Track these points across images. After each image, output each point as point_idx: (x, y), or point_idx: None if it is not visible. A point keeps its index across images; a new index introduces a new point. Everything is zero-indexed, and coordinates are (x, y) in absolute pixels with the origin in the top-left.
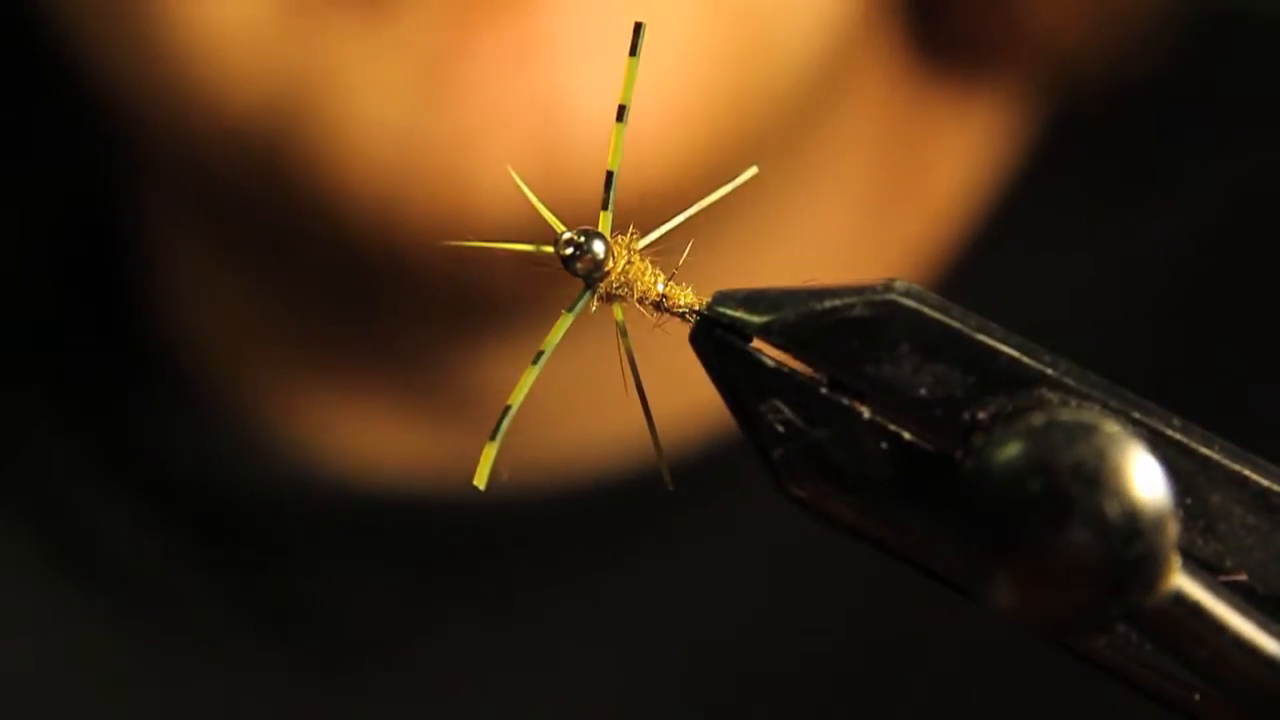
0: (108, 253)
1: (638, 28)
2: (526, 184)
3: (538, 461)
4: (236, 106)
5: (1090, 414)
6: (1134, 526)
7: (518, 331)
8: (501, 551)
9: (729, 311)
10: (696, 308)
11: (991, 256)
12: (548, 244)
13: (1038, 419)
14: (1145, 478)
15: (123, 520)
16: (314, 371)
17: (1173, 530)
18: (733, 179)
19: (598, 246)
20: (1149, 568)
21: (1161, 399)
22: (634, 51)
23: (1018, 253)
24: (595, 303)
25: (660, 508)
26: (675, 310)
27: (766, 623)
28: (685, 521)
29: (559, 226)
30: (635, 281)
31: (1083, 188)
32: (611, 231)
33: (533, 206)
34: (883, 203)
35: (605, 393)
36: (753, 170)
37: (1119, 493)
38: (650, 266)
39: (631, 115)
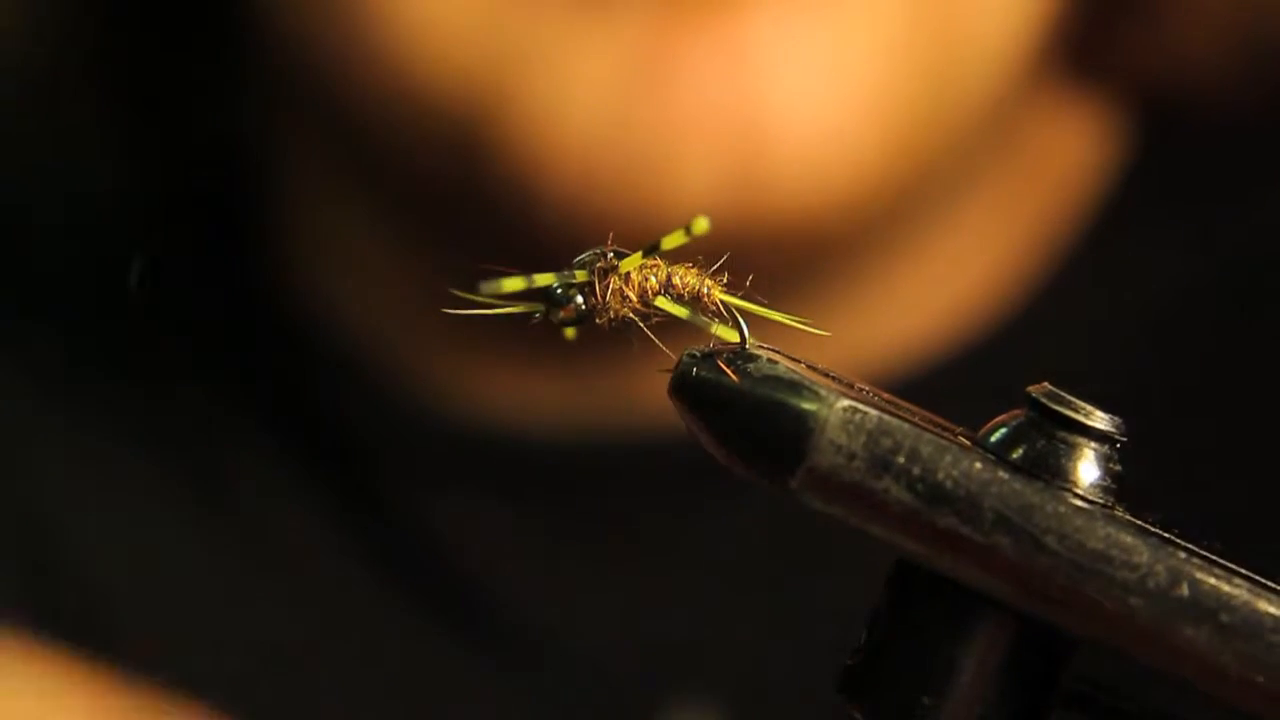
0: (270, 218)
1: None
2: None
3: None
4: (438, 85)
5: None
6: None
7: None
8: (624, 490)
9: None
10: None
11: (1085, 266)
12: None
13: None
14: None
15: (250, 457)
16: (459, 337)
17: None
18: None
19: (579, 299)
20: None
21: (1255, 404)
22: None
23: (1109, 265)
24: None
25: None
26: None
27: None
28: None
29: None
30: (622, 310)
31: (1177, 200)
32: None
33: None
34: (1012, 205)
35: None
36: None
37: None
38: (637, 290)
39: (816, 119)
